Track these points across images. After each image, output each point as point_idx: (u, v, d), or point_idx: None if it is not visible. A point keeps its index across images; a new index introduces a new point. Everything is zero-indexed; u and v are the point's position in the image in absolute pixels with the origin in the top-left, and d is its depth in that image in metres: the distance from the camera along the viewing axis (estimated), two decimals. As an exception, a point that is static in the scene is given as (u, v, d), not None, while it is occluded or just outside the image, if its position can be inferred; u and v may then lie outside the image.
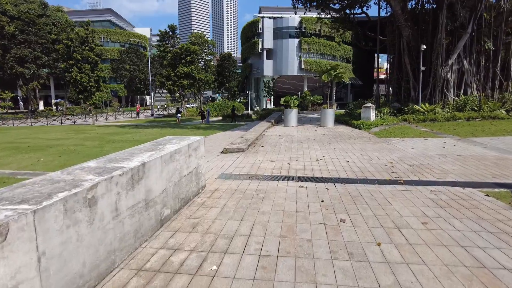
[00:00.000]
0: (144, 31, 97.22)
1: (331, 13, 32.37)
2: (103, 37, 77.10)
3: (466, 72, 20.90)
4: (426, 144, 10.78)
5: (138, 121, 36.18)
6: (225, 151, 9.75)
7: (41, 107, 66.10)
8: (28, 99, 54.70)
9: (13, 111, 53.81)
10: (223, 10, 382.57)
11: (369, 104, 18.25)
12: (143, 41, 66.89)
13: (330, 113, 18.48)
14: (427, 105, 19.61)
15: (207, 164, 7.90)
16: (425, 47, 18.97)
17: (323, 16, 34.43)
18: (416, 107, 19.56)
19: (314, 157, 8.65)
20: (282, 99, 19.11)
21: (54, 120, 34.77)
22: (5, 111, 48.96)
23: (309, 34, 70.19)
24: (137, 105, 49.01)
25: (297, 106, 19.05)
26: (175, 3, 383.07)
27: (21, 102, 64.13)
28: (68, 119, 36.09)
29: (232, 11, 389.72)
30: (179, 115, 30.78)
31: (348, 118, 21.04)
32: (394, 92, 24.22)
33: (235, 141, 11.18)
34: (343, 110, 31.68)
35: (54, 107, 62.41)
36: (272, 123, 19.42)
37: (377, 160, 8.17)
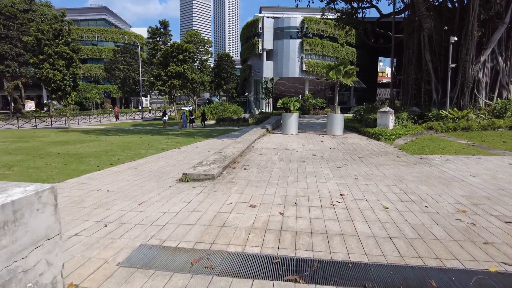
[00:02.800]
0: (142, 31, 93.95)
1: (338, 8, 29.18)
2: (97, 36, 73.92)
3: (501, 71, 17.42)
4: (486, 166, 7.26)
5: (121, 124, 32.70)
6: (185, 178, 6.25)
7: (32, 107, 62.82)
8: (8, 99, 51.30)
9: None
10: (225, 13, 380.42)
11: (387, 109, 14.77)
12: (136, 40, 63.69)
13: (338, 118, 14.99)
14: (455, 110, 16.11)
15: (134, 214, 4.41)
16: (456, 38, 15.47)
17: (327, 14, 31.25)
18: (443, 112, 16.05)
19: (326, 196, 5.13)
20: (280, 101, 15.62)
21: (27, 122, 31.36)
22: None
23: (311, 35, 67.30)
24: (115, 107, 45.51)
25: (298, 109, 15.59)
26: (178, 6, 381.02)
27: (12, 103, 60.76)
28: (44, 121, 32.65)
29: (234, 14, 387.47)
30: (166, 118, 27.30)
31: (358, 125, 17.58)
32: (411, 94, 20.72)
33: (208, 159, 7.67)
34: (350, 115, 28.20)
35: (46, 108, 59.13)
36: (267, 130, 15.93)
37: (435, 206, 4.65)
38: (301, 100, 14.52)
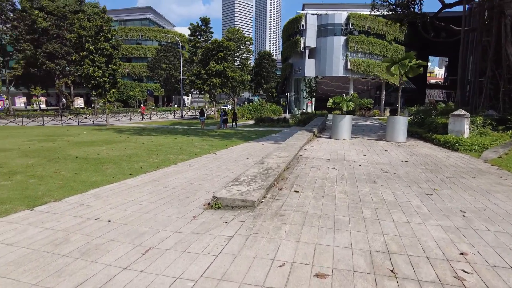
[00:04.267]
0: (184, 30, 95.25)
1: (390, 1, 26.30)
2: (142, 35, 75.66)
3: None
4: None
5: (160, 122, 32.15)
6: (215, 203, 4.52)
7: (81, 104, 65.59)
8: (60, 96, 53.58)
9: (46, 107, 53.17)
10: (266, 12, 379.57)
11: (462, 112, 12.12)
12: (178, 39, 64.06)
13: (401, 122, 12.58)
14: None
15: (127, 278, 2.72)
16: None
17: (377, 9, 28.37)
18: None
19: (437, 255, 3.11)
20: (330, 100, 13.51)
21: (70, 119, 31.86)
22: (36, 107, 47.93)
23: (356, 32, 63.80)
24: (142, 106, 44.21)
25: (352, 110, 13.39)
26: (220, 7, 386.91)
27: (63, 100, 63.90)
28: (86, 118, 33.08)
29: (275, 14, 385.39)
30: (203, 117, 26.12)
31: (421, 130, 14.99)
32: (486, 95, 17.56)
33: (247, 173, 5.91)
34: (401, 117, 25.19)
35: (92, 105, 61.31)
36: (314, 134, 13.92)
37: None
38: (357, 99, 12.37)
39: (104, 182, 6.13)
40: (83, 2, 52.52)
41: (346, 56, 62.55)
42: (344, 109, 12.90)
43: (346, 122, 12.92)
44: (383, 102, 64.97)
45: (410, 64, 12.50)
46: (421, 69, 12.92)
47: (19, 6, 43.94)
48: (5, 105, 46.16)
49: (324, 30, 63.37)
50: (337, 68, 62.31)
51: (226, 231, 3.62)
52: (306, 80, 44.21)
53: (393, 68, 12.54)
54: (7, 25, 40.96)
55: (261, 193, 4.75)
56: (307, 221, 3.94)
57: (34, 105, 50.44)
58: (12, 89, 54.90)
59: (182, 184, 6.05)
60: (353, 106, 13.06)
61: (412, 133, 15.13)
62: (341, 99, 13.06)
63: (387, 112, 49.16)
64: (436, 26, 26.51)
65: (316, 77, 37.70)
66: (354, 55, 63.21)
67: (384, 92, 66.66)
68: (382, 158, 8.53)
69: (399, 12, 25.54)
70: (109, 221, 4.01)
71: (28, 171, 7.01)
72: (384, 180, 6.07)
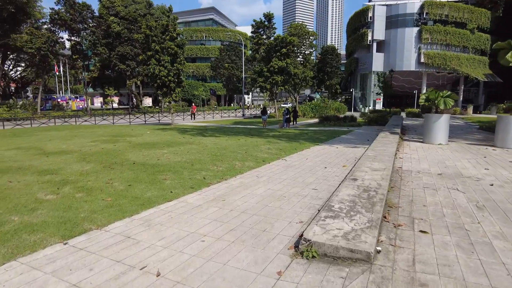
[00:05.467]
0: (246, 29, 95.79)
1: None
2: (205, 36, 77.43)
3: None
4: None
5: (221, 121, 31.77)
6: (307, 250, 3.06)
7: (149, 104, 69.27)
8: (129, 96, 56.83)
9: (117, 107, 56.82)
10: (328, 9, 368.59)
11: None
12: (241, 37, 64.17)
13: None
14: None
15: None
16: None
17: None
18: None
19: None
20: (422, 96, 11.22)
21: (137, 118, 33.05)
22: (109, 107, 51.41)
23: (432, 21, 57.68)
24: (193, 105, 40.22)
25: (451, 107, 10.98)
26: (281, 5, 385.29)
27: (133, 99, 68.19)
28: (152, 117, 34.09)
29: (337, 9, 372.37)
30: (266, 116, 24.90)
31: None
32: None
33: (341, 196, 4.34)
34: (483, 115, 21.28)
35: (160, 104, 64.27)
36: (399, 136, 11.75)
37: None
38: (454, 95, 9.93)
39: (160, 199, 5.03)
40: (151, 5, 54.96)
41: (419, 48, 57.07)
42: (441, 107, 10.54)
43: (442, 123, 10.54)
44: (461, 98, 57.95)
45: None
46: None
47: (97, 13, 47.33)
48: (85, 105, 50.26)
49: (394, 21, 58.54)
50: (408, 62, 57.25)
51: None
52: (379, 74, 40.75)
53: (509, 54, 9.87)
54: (87, 31, 44.27)
55: (374, 236, 3.16)
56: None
57: (108, 105, 54.27)
58: (90, 90, 59.95)
59: (254, 205, 4.71)
60: (452, 104, 10.63)
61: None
62: (436, 94, 10.71)
63: (470, 110, 43.27)
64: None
65: (391, 70, 34.19)
66: (429, 47, 57.43)
67: (462, 87, 59.43)
68: (514, 174, 6.29)
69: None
70: (158, 275, 2.77)
71: (79, 180, 6.26)
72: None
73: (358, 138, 14.85)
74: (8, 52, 43.02)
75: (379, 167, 6.22)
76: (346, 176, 6.12)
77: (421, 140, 11.51)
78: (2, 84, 46.26)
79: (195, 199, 5.07)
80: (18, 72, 50.96)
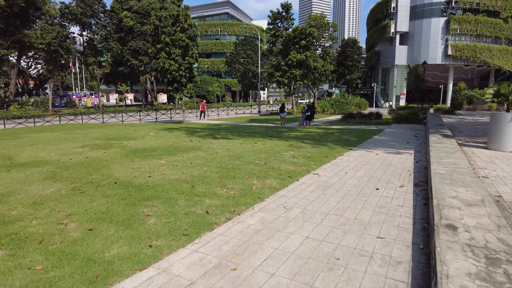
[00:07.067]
0: (261, 23, 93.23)
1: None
2: (220, 30, 75.41)
3: None
4: None
5: (236, 119, 29.66)
6: None
7: (164, 100, 67.90)
8: (144, 92, 55.52)
9: (131, 103, 55.60)
10: (345, 1, 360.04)
11: None
12: (257, 31, 61.83)
13: None
14: None
15: None
16: None
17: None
18: None
19: None
20: (489, 90, 8.80)
21: (148, 115, 31.37)
22: (122, 104, 50.19)
23: (461, 11, 53.72)
24: (202, 102, 31.64)
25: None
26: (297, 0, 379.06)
27: (147, 96, 67.05)
28: (163, 114, 32.38)
29: (355, 2, 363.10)
30: (284, 114, 22.65)
31: None
32: None
33: (456, 281, 2.23)
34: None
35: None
36: (454, 139, 9.37)
37: None
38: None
39: (127, 264, 2.99)
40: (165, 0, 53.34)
41: (446, 40, 53.33)
42: (518, 104, 8.13)
43: (518, 125, 8.12)
44: (492, 93, 53.83)
45: None
46: None
47: (108, 7, 46.03)
48: (98, 102, 49.28)
49: (419, 12, 54.92)
50: (434, 55, 53.63)
51: None
52: (411, 66, 37.55)
53: None
54: (98, 26, 43.01)
55: None
56: None
57: (121, 102, 53.17)
58: (104, 86, 59.00)
59: (287, 284, 2.61)
60: (531, 100, 8.19)
61: None
62: (510, 89, 8.29)
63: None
64: None
65: (424, 62, 31.06)
66: (457, 38, 53.66)
67: (493, 81, 55.30)
68: None
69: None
70: None
71: (23, 217, 4.23)
72: None
73: (395, 140, 12.52)
74: (25, 50, 42.26)
75: (473, 199, 3.99)
76: (433, 219, 3.95)
77: (483, 145, 9.11)
78: (19, 81, 45.66)
79: (185, 265, 3.00)
80: (36, 70, 50.52)
